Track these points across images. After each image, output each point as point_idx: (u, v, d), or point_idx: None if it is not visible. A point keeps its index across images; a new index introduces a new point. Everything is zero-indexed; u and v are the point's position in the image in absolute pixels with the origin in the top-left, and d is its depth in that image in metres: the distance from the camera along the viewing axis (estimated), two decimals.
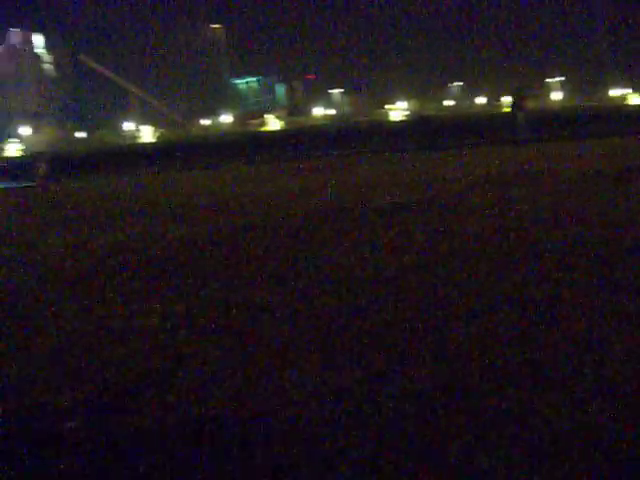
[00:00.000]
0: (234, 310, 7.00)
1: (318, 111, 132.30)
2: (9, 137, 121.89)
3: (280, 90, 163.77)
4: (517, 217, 11.06)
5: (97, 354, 6.09)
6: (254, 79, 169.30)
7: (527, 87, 46.58)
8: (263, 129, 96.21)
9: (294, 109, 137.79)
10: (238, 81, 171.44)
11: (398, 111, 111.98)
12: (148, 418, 4.66)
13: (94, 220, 16.26)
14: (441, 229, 10.52)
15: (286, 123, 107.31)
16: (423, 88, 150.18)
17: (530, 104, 42.17)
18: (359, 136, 45.45)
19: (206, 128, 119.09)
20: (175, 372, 5.45)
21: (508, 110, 40.57)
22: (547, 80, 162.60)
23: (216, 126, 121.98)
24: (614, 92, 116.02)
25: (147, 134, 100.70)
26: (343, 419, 4.25)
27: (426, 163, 25.51)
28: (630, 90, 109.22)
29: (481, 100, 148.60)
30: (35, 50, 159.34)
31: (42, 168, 37.89)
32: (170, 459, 4.04)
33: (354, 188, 18.04)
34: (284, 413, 4.41)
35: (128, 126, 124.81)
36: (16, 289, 9.09)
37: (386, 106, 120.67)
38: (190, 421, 4.54)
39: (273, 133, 78.08)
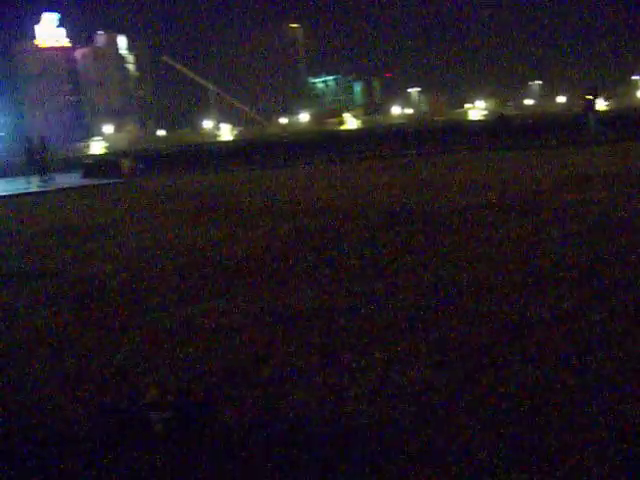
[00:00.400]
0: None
1: (396, 110, 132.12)
2: (93, 135, 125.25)
3: (358, 89, 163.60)
4: (606, 220, 10.87)
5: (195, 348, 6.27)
6: (332, 78, 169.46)
7: (598, 87, 45.62)
8: (341, 128, 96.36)
9: (372, 108, 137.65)
10: (316, 80, 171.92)
11: (477, 110, 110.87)
12: (231, 414, 4.79)
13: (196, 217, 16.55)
14: (526, 231, 10.42)
15: (363, 122, 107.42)
16: (503, 87, 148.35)
17: (601, 105, 41.49)
18: (437, 135, 44.99)
19: (284, 126, 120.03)
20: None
21: (580, 110, 39.85)
22: (633, 77, 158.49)
23: (294, 124, 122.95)
24: None
25: (226, 132, 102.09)
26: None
27: (505, 163, 25.16)
28: None
29: (561, 99, 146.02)
30: (118, 51, 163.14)
31: (126, 165, 38.72)
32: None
33: (434, 188, 17.94)
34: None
35: (207, 124, 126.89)
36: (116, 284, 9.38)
37: (465, 105, 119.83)
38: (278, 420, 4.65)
39: (351, 132, 78.06)
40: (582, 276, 7.47)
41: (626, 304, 6.30)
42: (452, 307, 6.71)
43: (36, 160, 37.89)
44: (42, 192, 32.30)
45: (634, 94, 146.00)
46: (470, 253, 9.14)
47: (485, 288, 7.34)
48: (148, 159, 46.23)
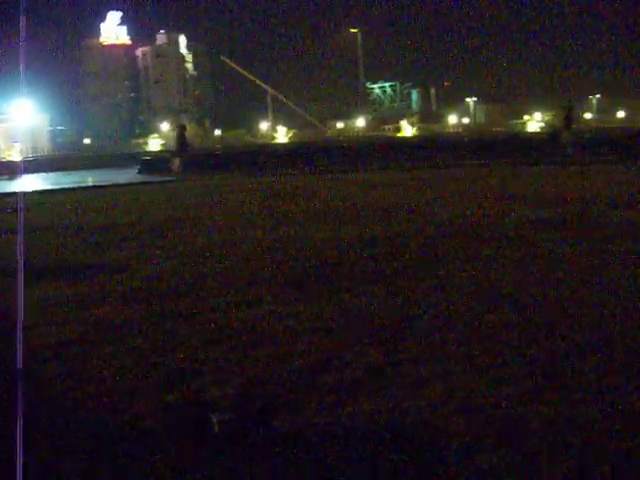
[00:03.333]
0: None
1: (452, 119, 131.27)
2: (150, 133, 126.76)
3: (415, 96, 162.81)
4: None
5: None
6: (389, 84, 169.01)
7: (573, 106, 45.34)
8: (397, 135, 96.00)
9: (429, 116, 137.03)
10: (373, 85, 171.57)
11: (534, 122, 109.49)
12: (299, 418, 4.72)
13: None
14: (591, 247, 10.27)
15: (419, 130, 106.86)
16: (562, 100, 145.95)
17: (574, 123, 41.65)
18: (494, 146, 44.60)
19: (340, 131, 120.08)
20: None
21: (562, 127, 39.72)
22: None
23: (350, 129, 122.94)
24: None
25: (281, 134, 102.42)
26: None
27: (560, 178, 24.77)
28: None
29: (621, 114, 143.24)
30: (179, 51, 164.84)
31: (176, 164, 38.84)
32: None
33: (493, 200, 17.71)
34: None
35: (263, 126, 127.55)
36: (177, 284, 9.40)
37: (524, 117, 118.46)
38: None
39: (407, 139, 77.78)
40: None
41: None
42: None
43: (185, 149, 39.21)
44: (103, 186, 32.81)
45: None
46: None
47: None
48: (202, 158, 46.44)
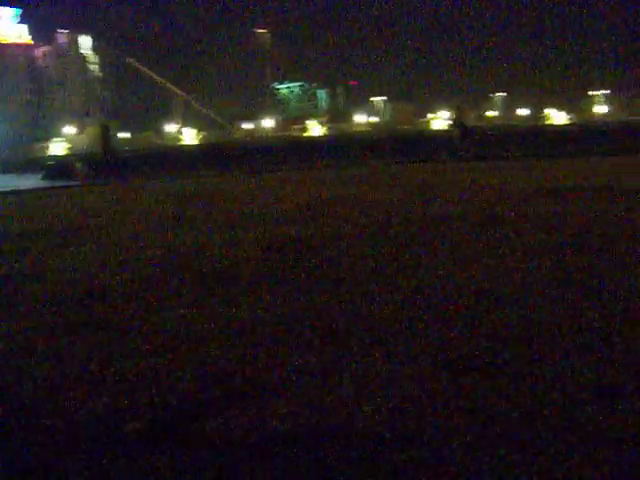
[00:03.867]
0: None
1: (360, 118, 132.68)
2: (54, 136, 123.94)
3: (322, 96, 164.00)
4: (578, 231, 10.93)
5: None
6: (296, 84, 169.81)
7: (461, 106, 48.48)
8: (305, 134, 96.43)
9: (337, 115, 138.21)
10: (280, 86, 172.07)
11: (440, 120, 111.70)
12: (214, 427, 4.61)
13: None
14: (491, 238, 10.44)
15: (328, 129, 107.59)
16: (467, 98, 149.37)
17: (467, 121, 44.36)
18: (402, 144, 45.30)
19: (248, 132, 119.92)
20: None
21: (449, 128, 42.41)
22: (590, 93, 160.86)
23: (258, 130, 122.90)
24: None
25: (189, 136, 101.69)
26: None
27: (470, 174, 25.25)
28: None
29: (524, 112, 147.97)
30: (81, 51, 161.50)
31: (80, 168, 38.17)
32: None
33: (416, 196, 17.83)
34: None
35: (171, 128, 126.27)
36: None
37: (429, 115, 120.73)
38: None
39: (315, 139, 78.15)
40: None
41: None
42: None
43: (109, 148, 37.61)
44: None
45: (592, 108, 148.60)
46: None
47: None
48: (109, 161, 45.60)
